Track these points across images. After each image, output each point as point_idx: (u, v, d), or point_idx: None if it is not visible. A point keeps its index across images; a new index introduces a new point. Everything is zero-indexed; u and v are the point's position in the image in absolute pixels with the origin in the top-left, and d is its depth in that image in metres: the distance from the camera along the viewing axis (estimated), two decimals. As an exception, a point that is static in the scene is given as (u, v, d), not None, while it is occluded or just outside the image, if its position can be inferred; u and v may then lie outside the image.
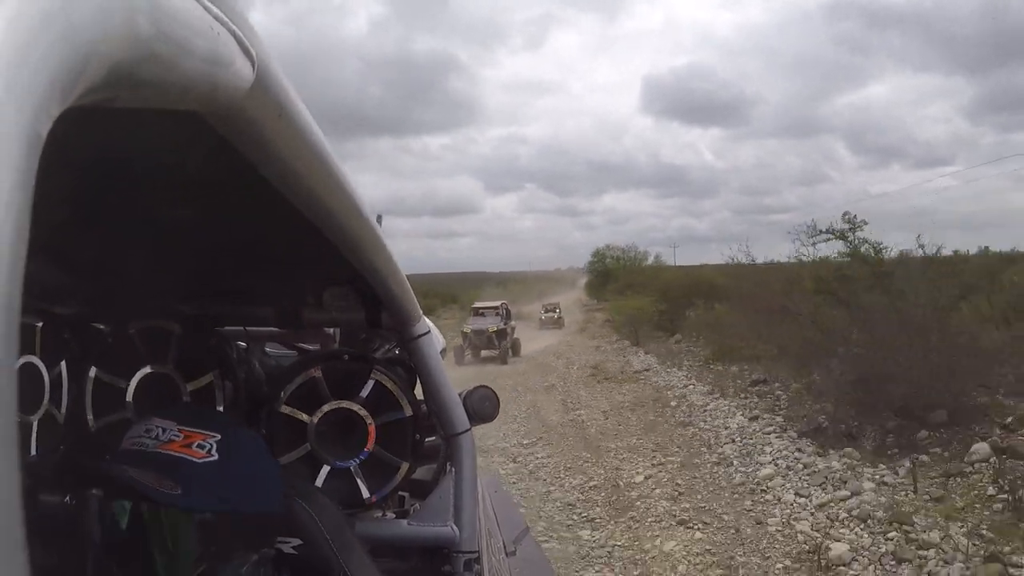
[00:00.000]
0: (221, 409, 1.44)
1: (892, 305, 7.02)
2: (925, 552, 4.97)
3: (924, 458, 6.35)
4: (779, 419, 7.94)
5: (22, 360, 1.40)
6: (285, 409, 1.43)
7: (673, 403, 9.52)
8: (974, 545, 4.87)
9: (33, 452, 1.38)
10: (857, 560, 4.98)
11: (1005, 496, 5.39)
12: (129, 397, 1.43)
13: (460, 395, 1.60)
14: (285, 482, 1.19)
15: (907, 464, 6.31)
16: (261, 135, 0.55)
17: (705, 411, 8.88)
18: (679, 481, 6.69)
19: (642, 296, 17.38)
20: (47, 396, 1.40)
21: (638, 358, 12.88)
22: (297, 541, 1.14)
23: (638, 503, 6.26)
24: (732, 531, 5.57)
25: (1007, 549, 4.72)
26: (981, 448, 6.11)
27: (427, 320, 1.61)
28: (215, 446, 0.98)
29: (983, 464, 5.96)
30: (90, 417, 1.42)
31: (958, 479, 5.89)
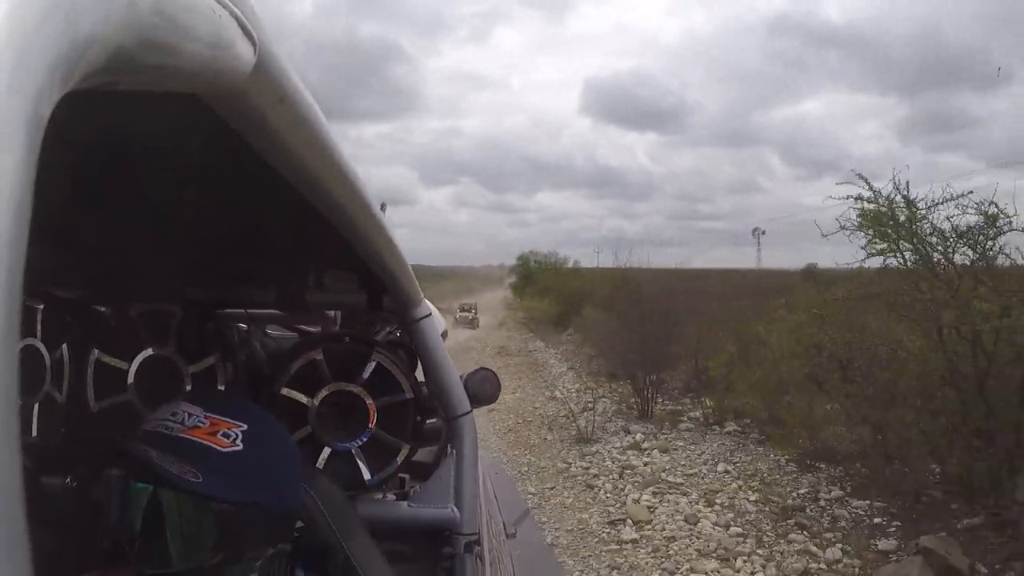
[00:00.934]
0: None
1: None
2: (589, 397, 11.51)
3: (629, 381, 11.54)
4: (583, 371, 14.41)
5: (23, 343, 1.40)
6: (286, 391, 1.44)
7: (540, 366, 16.54)
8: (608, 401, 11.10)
9: (34, 434, 1.39)
10: (565, 395, 11.93)
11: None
12: (130, 379, 1.43)
13: (461, 377, 1.60)
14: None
15: (621, 382, 11.71)
16: (263, 119, 0.55)
17: (551, 368, 15.83)
18: (520, 386, 13.43)
19: (549, 299, 22.14)
20: (48, 378, 1.40)
21: (534, 344, 19.99)
22: (298, 523, 1.14)
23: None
24: (531, 397, 12.36)
25: (616, 398, 11.29)
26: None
27: (428, 303, 1.61)
28: (241, 436, 0.95)
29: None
30: (91, 399, 1.43)
31: (629, 386, 11.05)
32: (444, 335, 2.02)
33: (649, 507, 6.68)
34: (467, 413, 1.56)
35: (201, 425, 0.95)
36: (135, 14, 0.32)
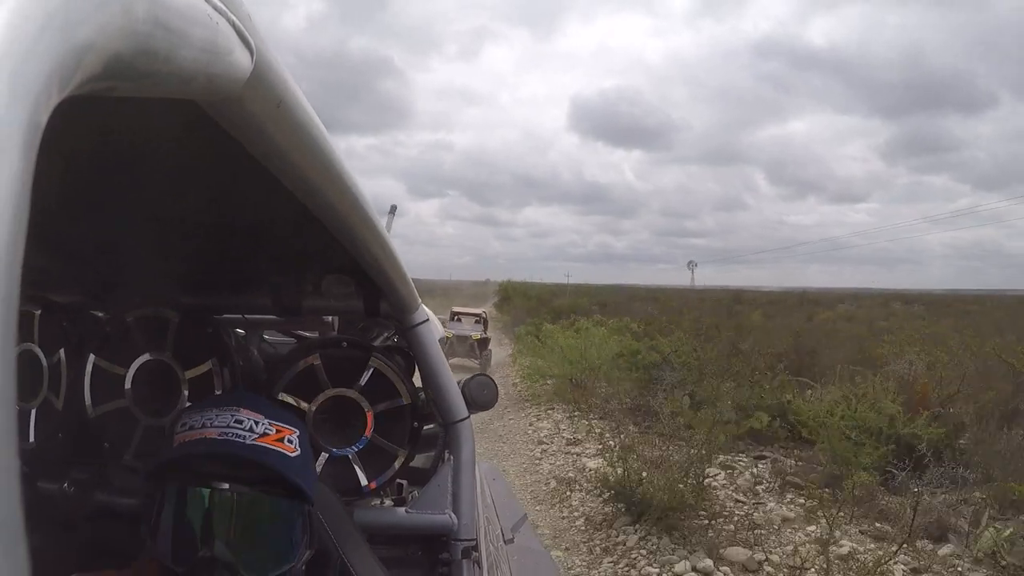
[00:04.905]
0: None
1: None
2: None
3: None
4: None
5: (21, 347, 1.40)
6: (283, 396, 1.43)
7: (504, 337, 23.72)
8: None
9: (31, 439, 1.38)
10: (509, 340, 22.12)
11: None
12: (127, 385, 1.43)
13: (459, 383, 1.60)
14: None
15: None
16: (260, 125, 0.55)
17: (500, 340, 22.26)
18: (496, 338, 20.15)
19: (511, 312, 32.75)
20: (46, 383, 1.40)
21: (499, 336, 25.93)
22: None
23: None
24: (497, 340, 20.55)
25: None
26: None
27: (425, 308, 1.61)
28: (298, 441, 1.02)
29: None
30: (89, 404, 1.42)
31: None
32: (441, 341, 2.02)
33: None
34: (465, 419, 1.55)
35: (269, 432, 0.99)
36: (131, 22, 0.32)
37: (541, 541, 3.88)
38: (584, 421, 8.97)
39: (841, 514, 4.85)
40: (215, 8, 0.42)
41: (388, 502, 1.56)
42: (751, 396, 7.70)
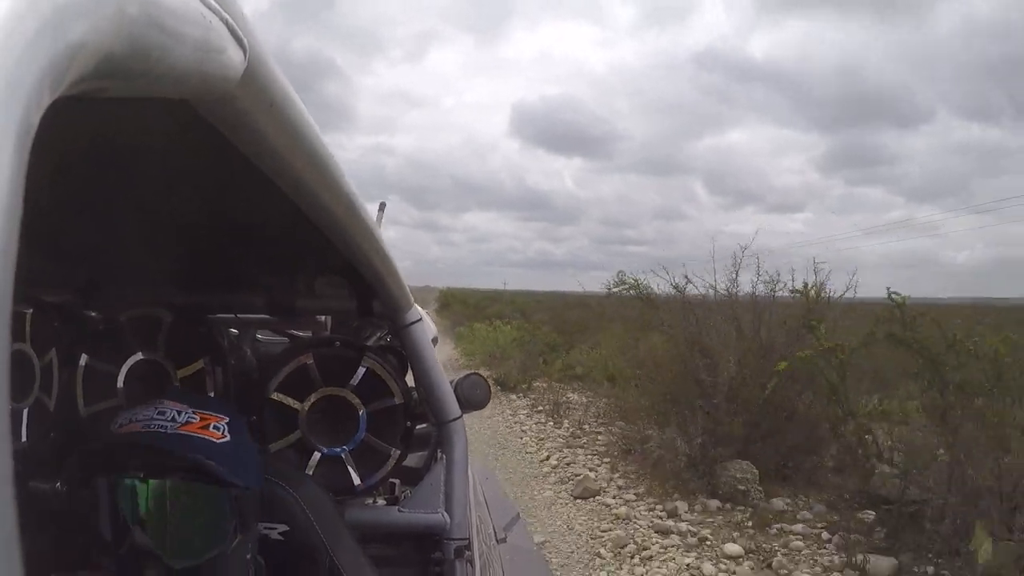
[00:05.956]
0: (212, 395, 1.44)
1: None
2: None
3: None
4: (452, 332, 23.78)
5: (12, 348, 1.39)
6: (276, 396, 1.43)
7: (441, 340, 25.51)
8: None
9: (23, 439, 1.38)
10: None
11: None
12: (120, 384, 1.43)
13: (451, 383, 1.60)
14: (273, 468, 1.20)
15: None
16: (253, 125, 0.55)
17: (443, 340, 23.64)
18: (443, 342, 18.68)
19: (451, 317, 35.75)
20: (37, 383, 1.39)
21: (442, 337, 29.45)
22: (284, 527, 1.14)
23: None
24: (442, 338, 18.36)
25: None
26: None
27: (419, 308, 1.61)
28: (227, 427, 1.00)
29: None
30: (81, 404, 1.42)
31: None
32: (434, 341, 2.02)
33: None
34: (457, 418, 1.56)
35: (193, 421, 0.98)
36: (124, 20, 0.32)
37: (533, 540, 3.91)
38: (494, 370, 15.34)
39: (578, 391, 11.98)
40: (208, 7, 0.41)
41: (381, 501, 1.56)
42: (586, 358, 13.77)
